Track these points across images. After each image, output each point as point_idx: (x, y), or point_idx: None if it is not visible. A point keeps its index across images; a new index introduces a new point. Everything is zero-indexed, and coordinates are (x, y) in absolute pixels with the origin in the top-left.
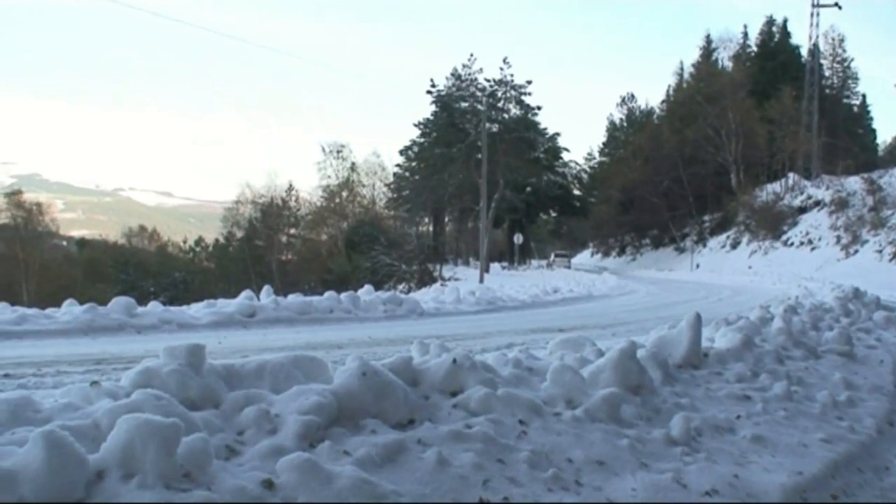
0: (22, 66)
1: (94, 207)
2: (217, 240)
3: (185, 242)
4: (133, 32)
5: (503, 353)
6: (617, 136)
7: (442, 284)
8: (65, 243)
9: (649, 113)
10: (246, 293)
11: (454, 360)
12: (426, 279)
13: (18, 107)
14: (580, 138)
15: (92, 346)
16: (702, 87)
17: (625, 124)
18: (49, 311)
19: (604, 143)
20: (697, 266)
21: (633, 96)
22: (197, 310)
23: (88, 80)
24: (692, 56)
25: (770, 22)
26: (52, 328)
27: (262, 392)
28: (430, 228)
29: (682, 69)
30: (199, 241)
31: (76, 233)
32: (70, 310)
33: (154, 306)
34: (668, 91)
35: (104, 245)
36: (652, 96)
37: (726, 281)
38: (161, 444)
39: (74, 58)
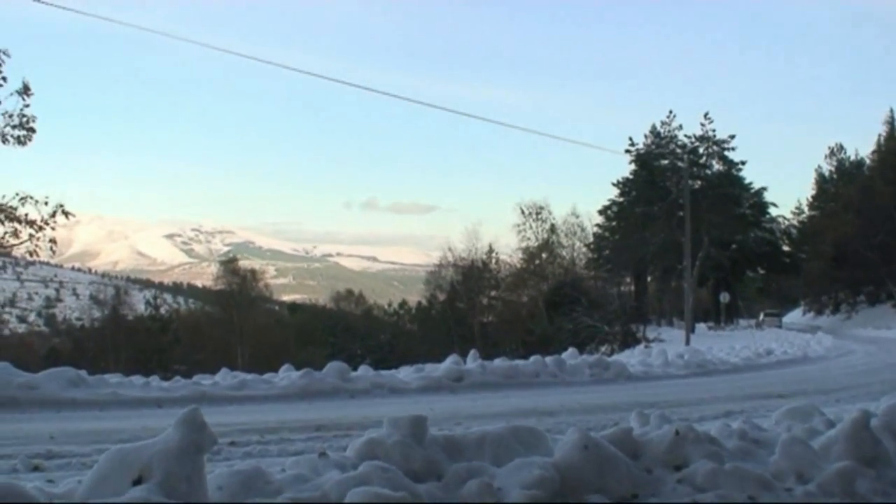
0: (237, 142)
1: (303, 273)
2: (420, 302)
3: (389, 305)
4: (344, 108)
5: (726, 424)
6: (827, 189)
7: (646, 346)
8: (277, 308)
9: (859, 164)
10: (452, 357)
11: (677, 432)
12: (629, 340)
13: (236, 181)
14: (788, 192)
15: (309, 412)
16: None
17: (834, 176)
18: (267, 375)
19: (812, 197)
20: None
21: (841, 147)
22: (406, 374)
23: (295, 156)
24: None
25: None
26: (270, 393)
27: (484, 464)
28: (632, 288)
29: (892, 118)
30: (402, 304)
31: (287, 297)
32: (287, 375)
33: (365, 370)
34: (878, 140)
35: (314, 309)
36: (861, 146)
37: None
38: None
39: (283, 135)
